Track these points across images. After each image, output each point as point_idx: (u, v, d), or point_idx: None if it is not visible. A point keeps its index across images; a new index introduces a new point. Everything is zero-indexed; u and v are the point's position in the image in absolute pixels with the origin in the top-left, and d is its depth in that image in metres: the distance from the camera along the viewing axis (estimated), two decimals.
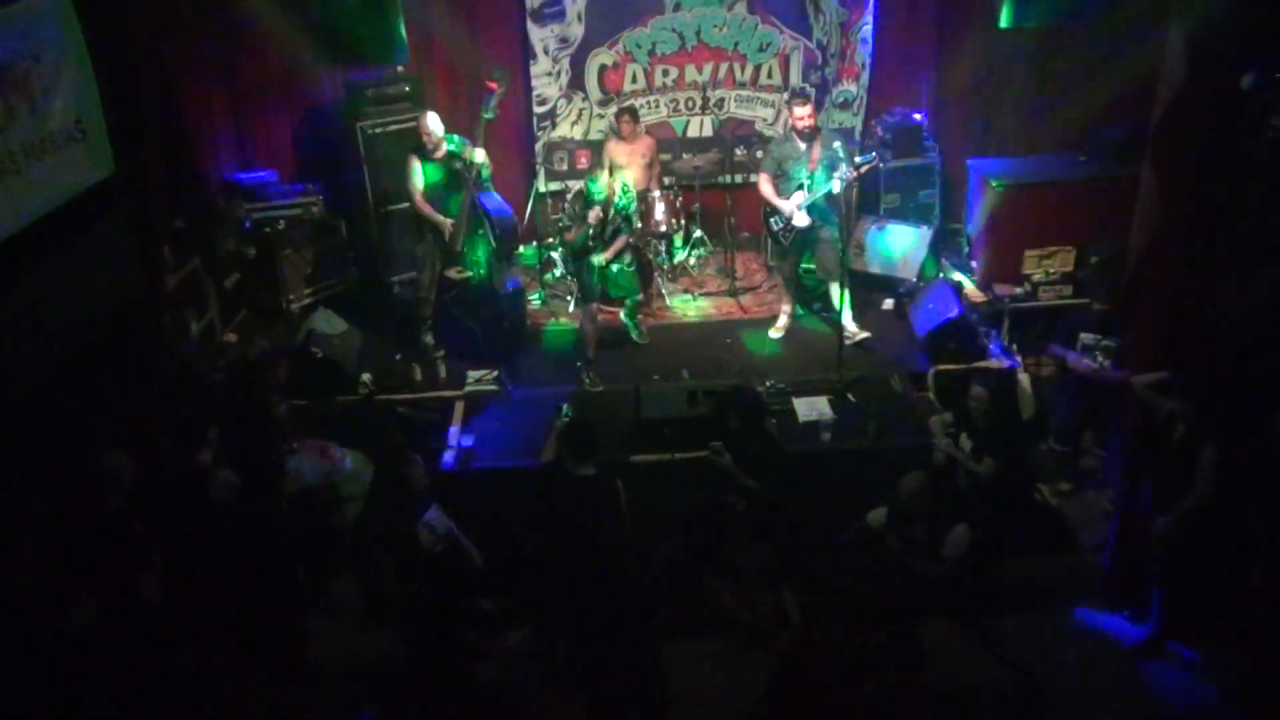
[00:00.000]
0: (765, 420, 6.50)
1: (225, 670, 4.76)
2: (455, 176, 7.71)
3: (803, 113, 7.78)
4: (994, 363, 7.71)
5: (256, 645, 5.63)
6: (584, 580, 5.43)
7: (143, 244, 5.89)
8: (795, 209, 7.80)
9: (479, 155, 7.63)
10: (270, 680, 5.75)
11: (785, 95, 9.37)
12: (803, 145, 7.78)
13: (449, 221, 7.75)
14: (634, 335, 8.31)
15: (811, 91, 9.21)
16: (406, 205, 8.04)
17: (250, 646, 5.59)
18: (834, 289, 7.88)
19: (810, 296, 8.70)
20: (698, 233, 9.34)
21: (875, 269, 8.78)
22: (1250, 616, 5.68)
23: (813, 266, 8.33)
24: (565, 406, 6.20)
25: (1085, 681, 6.03)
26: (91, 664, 4.46)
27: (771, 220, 8.07)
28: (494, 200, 7.88)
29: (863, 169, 7.76)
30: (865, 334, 8.07)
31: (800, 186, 7.79)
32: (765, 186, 7.99)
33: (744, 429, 6.17)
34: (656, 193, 8.80)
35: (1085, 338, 7.24)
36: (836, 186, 7.55)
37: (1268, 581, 5.64)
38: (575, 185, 9.02)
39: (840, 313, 7.82)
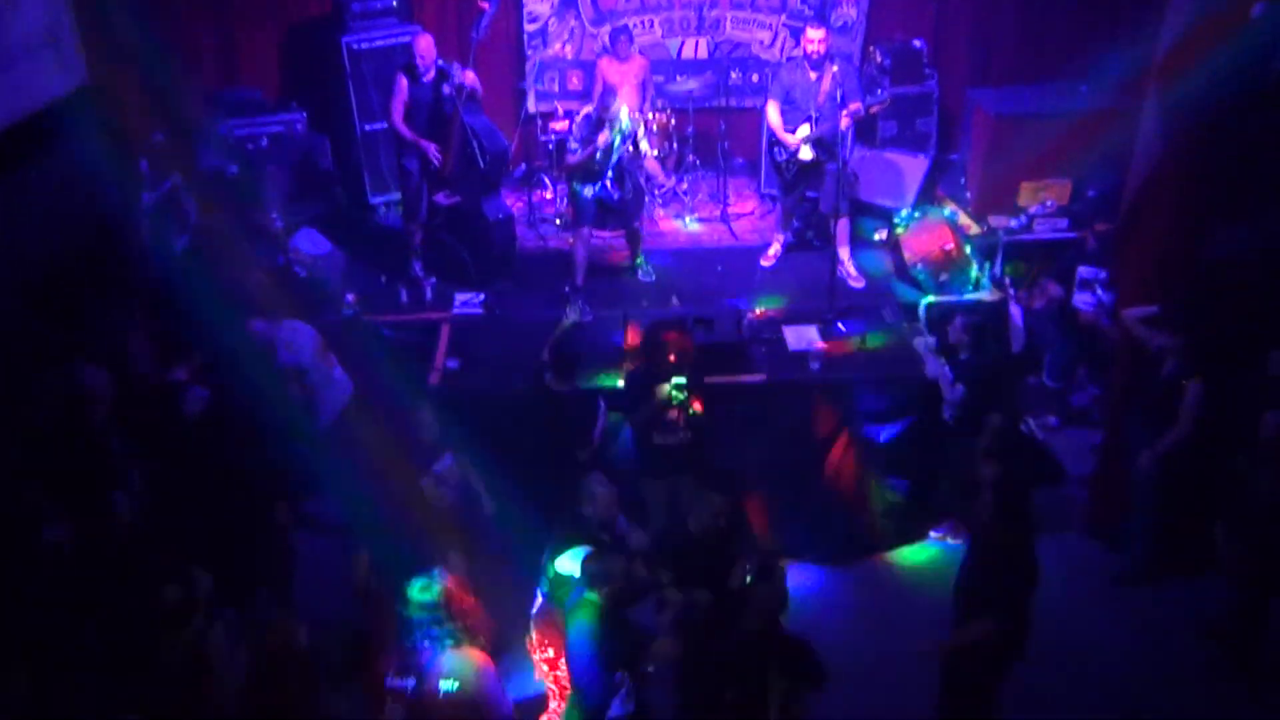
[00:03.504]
0: None
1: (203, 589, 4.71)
2: (443, 99, 7.53)
3: (815, 36, 7.50)
4: (986, 295, 7.63)
5: (237, 566, 5.64)
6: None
7: (118, 157, 5.74)
8: (801, 143, 7.63)
9: (469, 77, 7.45)
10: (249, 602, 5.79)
11: (783, 18, 9.14)
12: (812, 74, 7.54)
13: (434, 146, 7.59)
14: (640, 272, 8.17)
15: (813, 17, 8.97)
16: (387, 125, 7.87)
17: (230, 567, 5.59)
18: (834, 221, 7.74)
19: (806, 225, 8.57)
20: (690, 157, 9.18)
21: (870, 198, 8.65)
22: (1225, 550, 5.70)
23: (815, 196, 8.18)
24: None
25: (1067, 611, 6.09)
26: (66, 581, 4.44)
27: (775, 151, 7.89)
28: (483, 123, 7.71)
29: (872, 108, 7.58)
30: (860, 283, 7.95)
31: (807, 119, 7.58)
32: (773, 115, 7.75)
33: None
34: (649, 116, 8.62)
35: (1083, 271, 7.19)
36: (844, 123, 7.29)
37: (1238, 520, 5.66)
38: (565, 106, 8.85)
39: (835, 244, 7.71)
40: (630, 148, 7.69)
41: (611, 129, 7.42)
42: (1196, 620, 6.12)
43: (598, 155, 7.51)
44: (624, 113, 7.48)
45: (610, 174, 7.57)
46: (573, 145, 7.66)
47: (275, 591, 5.85)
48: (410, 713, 4.57)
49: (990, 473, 4.93)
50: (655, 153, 8.22)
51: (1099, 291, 7.16)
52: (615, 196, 7.72)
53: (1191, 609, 6.20)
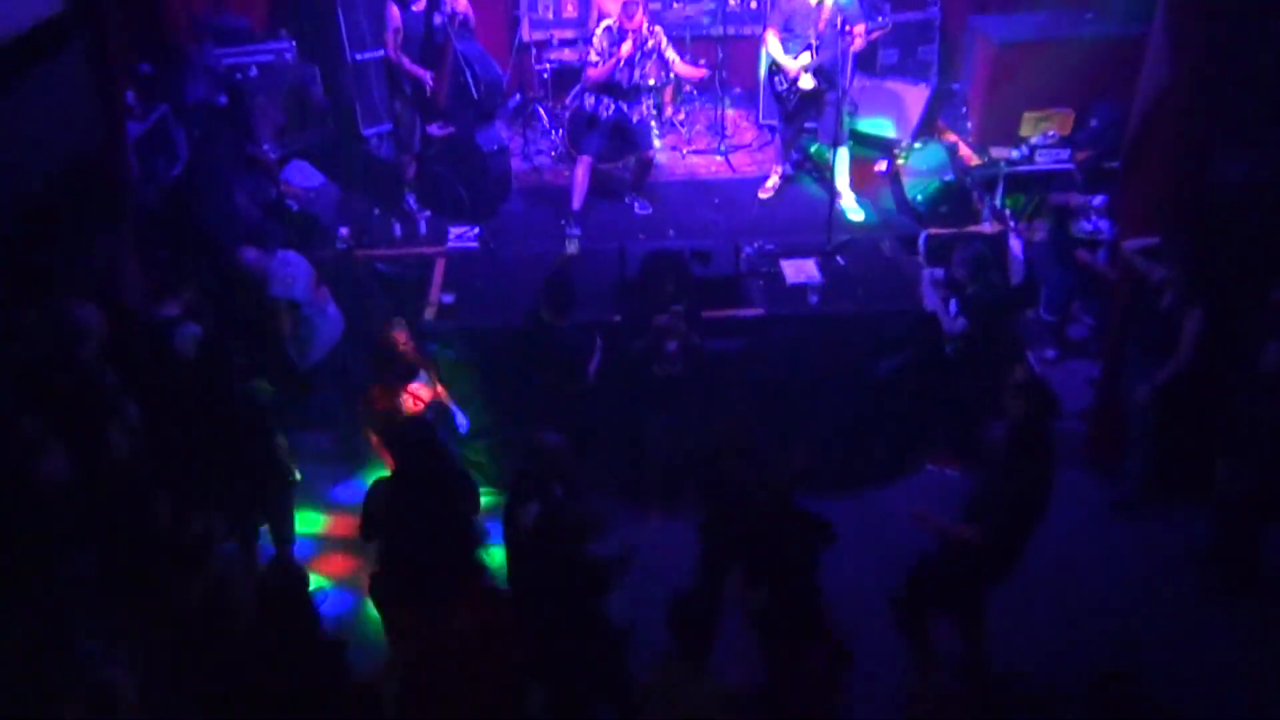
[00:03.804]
0: None
1: (198, 525, 4.72)
2: (434, 28, 7.36)
3: None
4: (986, 227, 7.56)
5: (237, 500, 5.65)
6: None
7: (102, 87, 5.61)
8: (801, 71, 7.48)
9: (460, 4, 7.28)
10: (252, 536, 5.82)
11: None
12: (812, 1, 7.35)
13: (429, 75, 7.45)
14: (637, 204, 8.07)
15: None
16: (384, 55, 7.71)
17: (230, 501, 5.61)
18: (833, 153, 7.63)
19: (804, 157, 8.46)
20: (687, 88, 9.03)
21: (869, 128, 8.53)
22: (1223, 481, 5.73)
23: (814, 127, 8.05)
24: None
25: (1062, 540, 6.14)
26: (62, 514, 4.43)
27: (775, 80, 7.73)
28: (476, 51, 7.55)
29: (873, 35, 7.42)
30: (859, 216, 7.86)
31: (808, 47, 7.43)
32: (773, 43, 7.57)
33: None
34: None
35: (1075, 200, 7.13)
36: (857, 43, 7.09)
37: (1237, 451, 5.68)
38: (559, 35, 8.68)
39: (835, 176, 7.61)
40: (650, 63, 7.54)
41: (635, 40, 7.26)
42: (1190, 547, 6.18)
43: (620, 66, 7.35)
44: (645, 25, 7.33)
45: (628, 90, 7.44)
46: (593, 58, 7.46)
47: (276, 526, 5.88)
48: None
49: (1015, 407, 4.91)
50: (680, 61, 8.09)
51: (1091, 219, 7.11)
52: (632, 118, 7.59)
53: (1185, 537, 6.27)
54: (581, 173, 7.64)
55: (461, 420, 6.23)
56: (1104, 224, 7.09)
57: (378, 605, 4.93)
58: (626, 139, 7.76)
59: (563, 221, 7.64)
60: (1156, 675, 5.48)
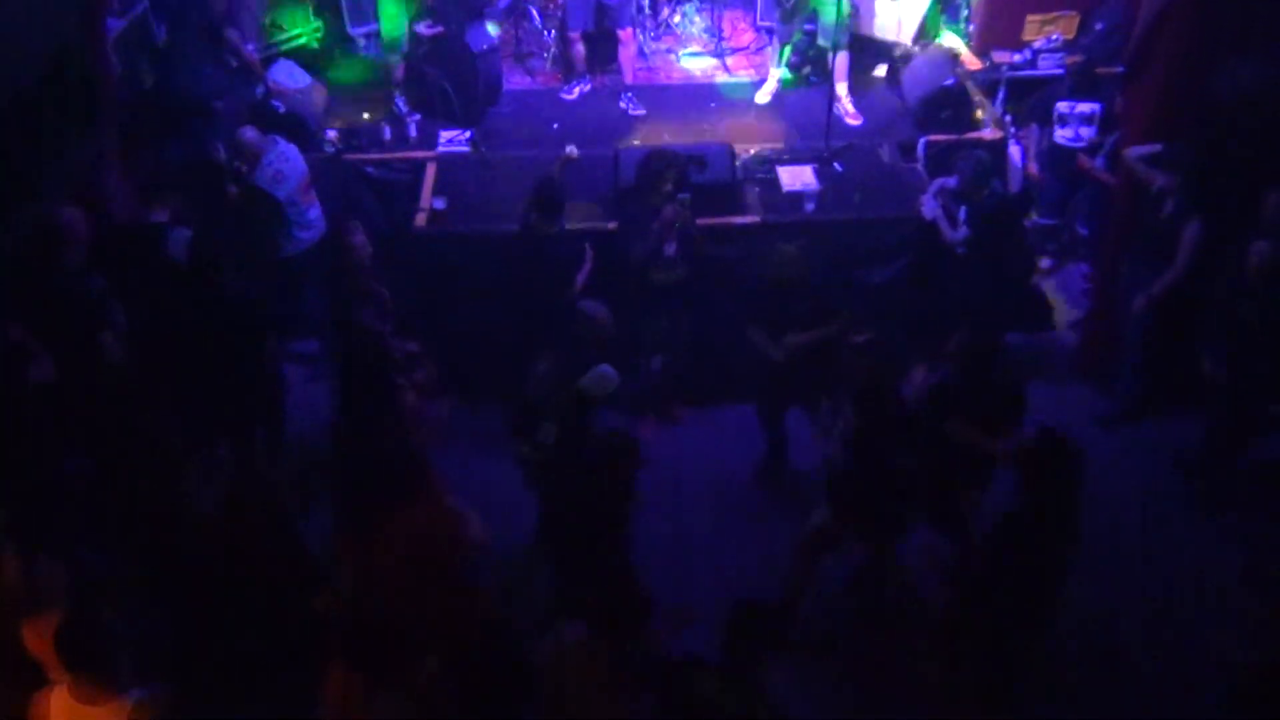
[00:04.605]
0: None
1: (190, 430, 4.72)
2: None
3: None
4: (986, 134, 7.43)
5: (229, 402, 5.64)
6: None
7: None
8: None
9: None
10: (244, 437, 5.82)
11: None
12: None
13: None
14: (630, 106, 7.90)
15: None
16: None
17: (223, 404, 5.60)
18: (832, 56, 7.44)
19: (804, 60, 8.26)
20: None
21: (869, 30, 8.31)
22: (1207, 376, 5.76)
23: (813, 29, 7.84)
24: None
25: None
26: (52, 421, 4.42)
27: None
28: None
29: None
30: (857, 121, 7.69)
31: None
32: None
33: None
34: None
35: (1061, 106, 7.01)
36: None
37: (1221, 346, 5.70)
38: None
39: (833, 79, 7.44)
40: None
41: None
42: (1176, 456, 6.23)
43: None
44: None
45: None
46: None
47: (268, 426, 5.89)
48: None
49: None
50: None
51: (1071, 125, 7.00)
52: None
53: (1171, 446, 6.32)
54: (577, 45, 7.63)
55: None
56: (1088, 131, 6.97)
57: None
58: (605, 13, 7.67)
59: (555, 125, 7.49)
60: (1142, 585, 5.62)
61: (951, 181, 6.41)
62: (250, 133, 6.28)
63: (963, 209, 6.32)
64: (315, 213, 6.50)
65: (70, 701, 3.41)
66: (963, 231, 6.26)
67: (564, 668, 3.83)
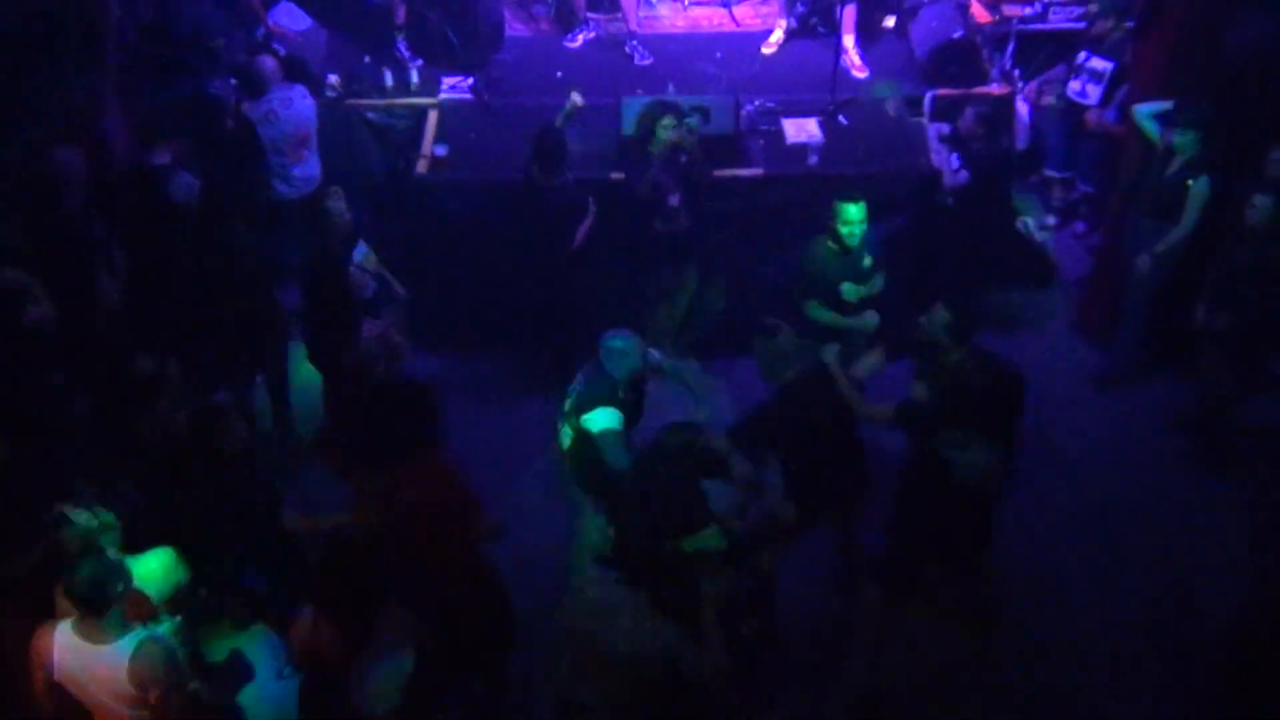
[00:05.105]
0: None
1: (189, 373, 4.72)
2: None
3: None
4: (994, 89, 7.35)
5: (231, 348, 5.64)
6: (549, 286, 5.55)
7: None
8: None
9: None
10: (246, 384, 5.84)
11: None
12: None
13: None
14: (636, 55, 7.80)
15: None
16: None
17: (223, 350, 5.60)
18: (840, 7, 7.33)
19: (811, 11, 8.14)
20: None
21: None
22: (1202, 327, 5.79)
23: None
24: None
25: (1049, 406, 6.21)
26: (50, 365, 4.42)
27: None
28: None
29: None
30: (863, 74, 7.60)
31: None
32: None
33: None
34: None
35: (1080, 56, 6.94)
36: None
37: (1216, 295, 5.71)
38: None
39: (840, 31, 7.34)
40: None
41: None
42: (1173, 415, 6.25)
43: None
44: None
45: None
46: None
47: (269, 372, 5.89)
48: None
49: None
50: None
51: (1087, 83, 6.95)
52: None
53: (1169, 405, 6.34)
54: None
55: (399, 288, 6.14)
56: (1095, 89, 6.91)
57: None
58: None
59: (559, 73, 7.40)
60: (1136, 540, 5.67)
61: (945, 127, 6.40)
62: (269, 62, 6.24)
63: (954, 156, 6.29)
64: (302, 171, 6.45)
65: (74, 639, 3.45)
66: (963, 176, 6.24)
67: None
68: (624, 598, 3.91)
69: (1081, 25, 7.50)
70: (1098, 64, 6.89)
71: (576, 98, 6.32)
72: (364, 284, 5.80)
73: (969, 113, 6.25)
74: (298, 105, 6.38)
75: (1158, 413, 6.39)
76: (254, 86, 6.24)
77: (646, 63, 7.73)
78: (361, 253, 5.86)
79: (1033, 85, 7.42)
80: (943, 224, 6.50)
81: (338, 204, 5.59)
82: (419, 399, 4.38)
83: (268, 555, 4.12)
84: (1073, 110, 7.08)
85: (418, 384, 4.69)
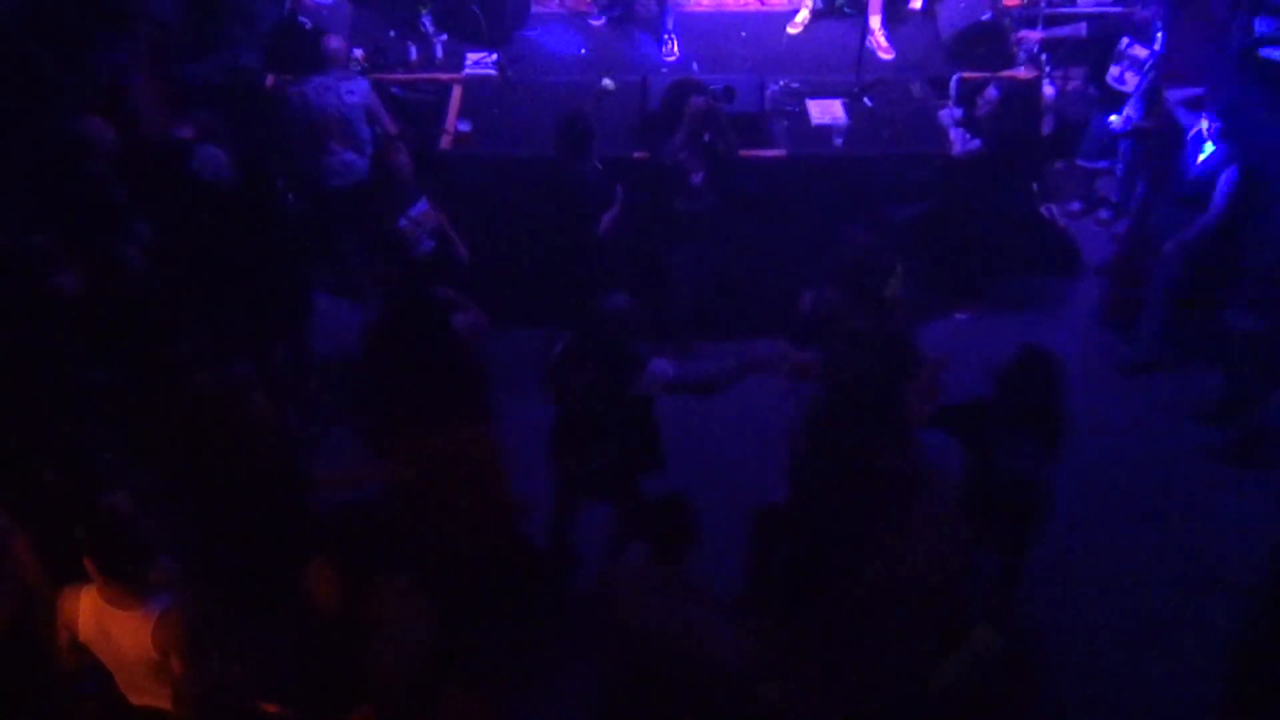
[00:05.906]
0: None
1: (216, 343, 4.74)
2: None
3: None
4: (1020, 72, 7.28)
5: (255, 319, 5.66)
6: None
7: None
8: None
9: None
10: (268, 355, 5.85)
11: None
12: None
13: None
14: (663, 47, 7.72)
15: None
16: None
17: (248, 320, 5.61)
18: None
19: None
20: None
21: None
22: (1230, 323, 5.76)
23: None
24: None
25: (1071, 398, 6.16)
26: (75, 328, 4.45)
27: None
28: None
29: None
30: (889, 55, 7.53)
31: None
32: None
33: None
34: None
35: (1123, 42, 6.87)
36: None
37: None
38: None
39: (867, 12, 7.28)
40: None
41: None
42: (1196, 406, 6.21)
43: None
44: None
45: None
46: None
47: (292, 344, 5.91)
48: None
49: None
50: None
51: (1126, 69, 6.88)
52: None
53: (1192, 396, 6.28)
54: None
55: (462, 250, 6.11)
56: (1134, 78, 6.85)
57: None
58: None
59: (582, 50, 7.34)
60: (1160, 532, 5.63)
61: (957, 112, 6.41)
62: (334, 41, 6.19)
63: (961, 131, 6.37)
64: (328, 162, 6.35)
65: (99, 603, 3.48)
66: (975, 143, 6.26)
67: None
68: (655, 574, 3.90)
69: (1113, 9, 7.44)
70: (1139, 51, 6.81)
71: (608, 83, 6.28)
72: (416, 239, 5.76)
73: (991, 88, 6.20)
74: (329, 94, 6.20)
75: (1180, 403, 6.33)
76: (311, 67, 6.12)
77: (673, 59, 7.62)
78: (420, 210, 5.79)
79: (1060, 70, 7.35)
80: (964, 205, 6.45)
81: (401, 158, 5.64)
82: (474, 370, 4.38)
83: (284, 525, 4.14)
84: (1110, 98, 6.99)
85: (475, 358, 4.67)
